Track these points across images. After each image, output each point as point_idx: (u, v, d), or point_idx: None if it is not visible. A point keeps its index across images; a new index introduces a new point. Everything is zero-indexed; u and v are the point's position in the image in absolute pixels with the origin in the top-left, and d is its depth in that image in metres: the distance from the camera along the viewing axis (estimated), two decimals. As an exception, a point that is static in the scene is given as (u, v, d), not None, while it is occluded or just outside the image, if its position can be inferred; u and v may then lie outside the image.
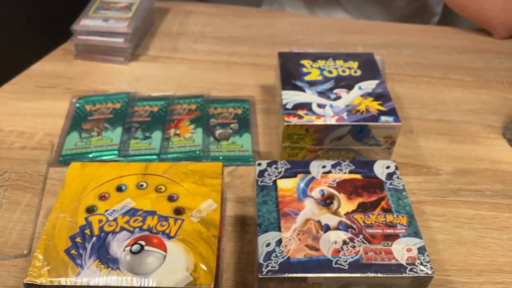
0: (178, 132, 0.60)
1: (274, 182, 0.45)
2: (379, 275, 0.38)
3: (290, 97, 0.55)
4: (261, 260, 0.39)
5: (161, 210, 0.41)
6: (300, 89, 0.56)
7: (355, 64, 0.60)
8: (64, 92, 0.68)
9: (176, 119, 0.62)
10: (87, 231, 0.39)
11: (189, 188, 0.43)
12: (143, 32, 0.80)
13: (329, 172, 0.46)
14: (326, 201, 0.44)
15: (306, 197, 0.44)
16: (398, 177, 0.46)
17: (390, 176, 0.46)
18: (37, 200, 0.52)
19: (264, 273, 0.38)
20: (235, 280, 0.45)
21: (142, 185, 0.44)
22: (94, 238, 0.39)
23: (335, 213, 0.43)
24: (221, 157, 0.57)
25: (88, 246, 0.38)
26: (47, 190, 0.53)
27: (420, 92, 0.69)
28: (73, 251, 0.38)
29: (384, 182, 0.45)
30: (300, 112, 0.53)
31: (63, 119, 0.62)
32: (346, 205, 0.43)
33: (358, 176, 0.46)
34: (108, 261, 0.37)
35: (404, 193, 0.44)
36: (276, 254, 0.39)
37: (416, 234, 0.41)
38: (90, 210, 0.41)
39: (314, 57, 0.61)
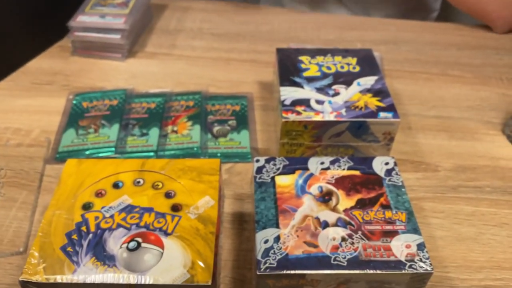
0: (175, 129, 0.60)
1: (272, 178, 0.45)
2: (378, 271, 0.38)
3: (288, 93, 0.55)
4: (259, 257, 0.38)
5: (158, 207, 0.41)
6: (299, 85, 0.56)
7: (353, 60, 0.60)
8: (61, 89, 0.67)
9: (174, 116, 0.62)
10: (84, 228, 0.39)
11: (187, 184, 0.43)
12: (141, 29, 0.79)
13: (328, 168, 0.46)
14: (325, 198, 0.43)
15: (305, 194, 0.44)
16: (397, 173, 0.46)
17: (389, 172, 0.46)
18: (33, 198, 0.51)
19: (262, 270, 0.37)
20: (233, 277, 0.45)
21: (139, 182, 0.43)
22: (91, 235, 0.39)
23: (334, 209, 0.42)
24: (219, 154, 0.57)
25: (85, 243, 0.38)
26: (43, 187, 0.53)
27: (419, 88, 0.69)
28: (69, 248, 0.37)
29: (383, 178, 0.45)
30: (299, 109, 0.52)
31: (60, 116, 0.62)
32: (345, 201, 0.43)
33: (357, 173, 0.46)
34: (104, 258, 0.37)
35: (403, 190, 0.44)
36: (274, 251, 0.39)
37: (415, 230, 0.41)
38: (87, 207, 0.41)
39: (313, 53, 0.61)
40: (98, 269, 0.36)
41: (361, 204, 0.43)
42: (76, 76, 0.70)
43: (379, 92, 0.55)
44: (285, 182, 0.45)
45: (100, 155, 0.56)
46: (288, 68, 0.59)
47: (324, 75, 0.57)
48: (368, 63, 0.59)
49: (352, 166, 0.46)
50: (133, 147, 0.57)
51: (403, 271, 0.38)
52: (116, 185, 0.43)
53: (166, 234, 0.39)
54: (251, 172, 0.47)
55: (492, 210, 0.52)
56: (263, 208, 0.42)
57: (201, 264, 0.37)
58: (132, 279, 0.36)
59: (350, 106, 0.53)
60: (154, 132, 0.59)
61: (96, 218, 0.40)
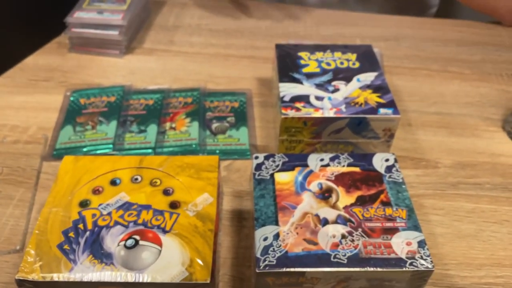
0: (174, 125, 0.59)
1: (272, 175, 0.45)
2: (379, 269, 0.37)
3: (288, 89, 0.54)
4: (258, 255, 0.38)
5: (156, 204, 0.40)
6: (298, 81, 0.55)
7: (353, 56, 0.59)
8: (58, 86, 0.67)
9: (172, 113, 0.61)
10: (81, 226, 0.39)
11: (185, 181, 0.43)
12: (139, 25, 0.78)
13: (327, 165, 0.46)
14: (325, 195, 0.43)
15: (304, 191, 0.43)
16: (397, 170, 0.45)
17: (389, 169, 0.45)
18: (30, 195, 0.51)
19: (261, 267, 0.37)
20: (232, 275, 0.44)
21: (136, 179, 0.43)
22: (88, 233, 0.38)
23: (334, 206, 0.42)
24: (217, 151, 0.56)
25: (82, 241, 0.37)
26: (40, 184, 0.52)
27: (419, 84, 0.69)
28: (66, 246, 0.37)
29: (383, 175, 0.45)
30: (298, 105, 0.52)
31: (57, 112, 0.61)
32: (345, 198, 0.43)
33: (357, 169, 0.45)
34: (102, 256, 0.36)
35: (403, 186, 0.44)
36: (273, 249, 0.38)
37: (416, 227, 0.40)
38: (84, 204, 0.41)
39: (312, 49, 0.60)
40: (95, 267, 0.36)
41: (361, 201, 0.42)
42: (74, 73, 0.69)
43: (379, 88, 0.54)
44: (284, 179, 0.44)
45: (98, 152, 0.55)
46: (287, 64, 0.58)
47: (324, 71, 0.57)
48: (368, 59, 0.59)
49: (352, 162, 0.46)
50: (131, 144, 0.57)
51: (404, 269, 0.37)
52: (113, 182, 0.42)
53: (164, 231, 0.38)
54: (250, 169, 0.47)
55: (492, 207, 0.51)
56: (262, 205, 0.42)
57: (200, 262, 0.36)
58: (130, 277, 0.35)
59: (350, 103, 0.52)
60: (152, 129, 0.58)
61: (94, 215, 0.39)
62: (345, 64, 0.58)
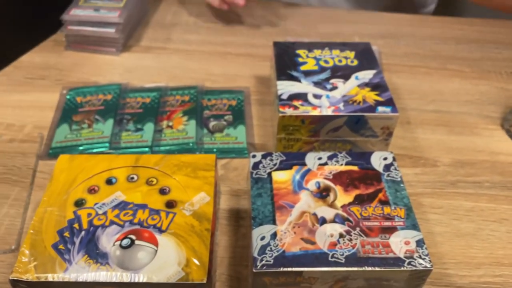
0: (170, 124, 0.59)
1: (269, 174, 0.44)
2: (377, 269, 0.37)
3: (285, 87, 0.54)
4: (255, 254, 0.37)
5: (153, 203, 0.40)
6: (296, 79, 0.55)
7: (351, 54, 0.59)
8: (54, 84, 0.66)
9: (169, 111, 0.61)
10: (76, 225, 0.38)
11: (181, 180, 0.42)
12: (136, 22, 0.78)
13: (325, 164, 0.45)
14: (322, 194, 0.43)
15: (302, 190, 0.43)
16: (395, 169, 0.45)
17: (387, 167, 0.45)
18: (25, 194, 0.50)
19: (258, 267, 0.37)
20: (229, 274, 0.44)
21: (132, 178, 0.42)
22: (83, 233, 0.38)
23: (332, 205, 0.42)
24: (215, 150, 0.56)
25: (77, 241, 0.37)
26: (36, 183, 0.52)
27: (418, 82, 0.68)
28: (61, 246, 0.37)
29: (381, 173, 0.44)
30: (296, 103, 0.52)
31: (53, 111, 0.61)
32: (343, 197, 0.42)
33: (355, 168, 0.45)
34: (97, 256, 0.36)
35: (402, 185, 0.43)
36: (271, 248, 0.38)
37: (414, 226, 0.40)
38: (79, 203, 0.40)
39: (310, 47, 0.60)
40: (91, 267, 0.35)
41: (359, 200, 0.42)
42: (70, 71, 0.69)
43: (378, 86, 0.54)
44: (282, 177, 0.44)
45: (94, 150, 0.55)
46: (285, 62, 0.58)
47: (322, 69, 0.56)
48: (366, 57, 0.58)
49: (350, 161, 0.45)
50: (127, 142, 0.56)
51: (402, 268, 0.37)
52: (109, 181, 0.42)
53: (161, 231, 0.38)
54: (247, 168, 0.46)
55: (491, 206, 0.51)
56: (260, 204, 0.41)
57: (196, 261, 0.36)
58: (125, 277, 0.35)
59: (348, 101, 0.52)
60: (149, 127, 0.58)
61: (89, 215, 0.39)
62: (343, 62, 0.58)
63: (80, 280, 0.35)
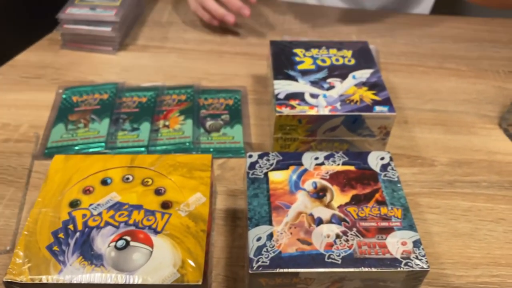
0: (167, 123, 0.59)
1: (266, 174, 0.44)
2: (373, 269, 0.37)
3: (282, 86, 0.54)
4: (251, 255, 0.37)
5: (148, 204, 0.40)
6: (293, 78, 0.55)
7: (349, 53, 0.59)
8: (50, 83, 0.66)
9: (166, 110, 0.60)
10: (71, 227, 0.38)
11: (177, 181, 0.42)
12: (132, 21, 0.77)
13: (322, 163, 0.45)
14: (319, 194, 0.42)
15: (298, 190, 0.43)
16: (392, 169, 0.45)
17: (384, 167, 0.45)
18: (21, 194, 0.50)
19: (254, 268, 0.37)
20: (225, 275, 0.44)
21: (128, 178, 0.42)
22: (78, 234, 0.37)
23: (328, 206, 0.41)
24: (211, 149, 0.56)
25: (71, 242, 0.37)
26: (31, 183, 0.52)
27: (415, 81, 0.68)
28: (55, 248, 0.36)
29: (378, 173, 0.44)
30: (293, 102, 0.51)
31: (49, 110, 0.61)
32: (339, 197, 0.42)
33: (352, 168, 0.45)
34: (92, 257, 0.36)
35: (398, 185, 0.43)
36: (267, 249, 0.38)
37: (411, 227, 0.40)
38: (74, 204, 0.40)
39: (307, 46, 0.60)
40: (85, 268, 0.35)
41: (356, 200, 0.42)
42: (66, 70, 0.68)
43: (375, 85, 0.54)
44: (278, 178, 0.44)
45: (90, 150, 0.55)
46: (282, 61, 0.57)
47: (319, 68, 0.56)
48: (363, 56, 0.58)
49: (347, 161, 0.45)
50: (123, 142, 0.56)
51: (399, 269, 0.37)
52: (104, 182, 0.42)
53: (156, 232, 0.38)
54: (244, 168, 0.46)
55: (488, 205, 0.51)
56: (256, 204, 0.41)
57: (192, 263, 0.36)
58: (120, 279, 0.35)
59: (345, 100, 0.52)
60: (145, 127, 0.58)
61: (84, 216, 0.39)
62: (341, 61, 0.57)
63: (75, 282, 0.35)
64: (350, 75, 0.55)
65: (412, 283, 0.39)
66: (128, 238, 0.37)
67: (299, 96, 0.52)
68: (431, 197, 0.52)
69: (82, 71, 0.68)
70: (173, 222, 0.39)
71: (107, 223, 0.38)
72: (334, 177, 0.44)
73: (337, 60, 0.58)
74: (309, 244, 0.38)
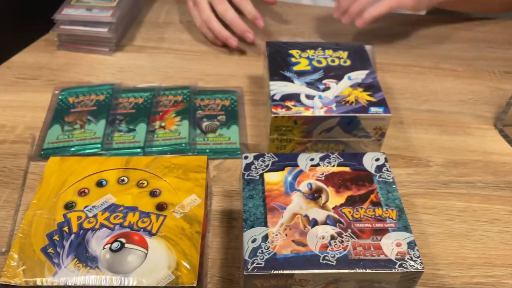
0: (163, 124, 0.59)
1: (261, 175, 0.44)
2: (368, 271, 0.37)
3: (278, 88, 0.54)
4: (246, 257, 0.37)
5: (143, 206, 0.40)
6: (288, 79, 0.55)
7: (344, 54, 0.59)
8: (47, 84, 0.66)
9: (162, 111, 0.60)
10: (65, 229, 0.38)
11: (172, 182, 0.42)
12: (129, 22, 0.77)
13: (317, 165, 0.45)
14: (314, 195, 0.42)
15: (294, 191, 0.43)
16: (387, 170, 0.45)
17: (379, 168, 0.45)
18: (16, 196, 0.50)
19: (249, 270, 0.37)
20: (221, 276, 0.44)
21: (123, 180, 0.42)
22: (73, 236, 0.37)
23: (323, 207, 0.41)
24: (207, 150, 0.56)
25: (66, 244, 0.37)
26: (27, 185, 0.52)
27: (411, 82, 0.68)
28: (50, 250, 0.36)
29: (373, 174, 0.44)
30: (288, 104, 0.51)
31: (45, 111, 0.60)
32: (335, 198, 0.42)
33: (347, 169, 0.45)
34: (86, 259, 0.36)
35: (393, 186, 0.43)
36: (262, 250, 0.38)
37: (405, 228, 0.40)
38: (69, 206, 0.40)
39: (303, 47, 0.60)
40: (80, 271, 0.35)
41: (351, 201, 0.42)
42: (63, 71, 0.68)
43: (370, 86, 0.54)
44: (274, 179, 0.44)
45: (86, 151, 0.55)
46: (278, 62, 0.57)
47: (315, 69, 0.56)
48: (359, 57, 0.58)
49: (342, 162, 0.45)
50: (119, 143, 0.56)
51: (393, 270, 0.37)
52: (99, 184, 0.42)
53: (151, 234, 0.38)
54: (240, 169, 0.46)
55: (484, 206, 0.51)
56: (251, 206, 0.41)
57: (186, 265, 0.36)
58: (115, 281, 0.35)
59: (341, 101, 0.52)
60: (141, 128, 0.58)
61: (79, 218, 0.39)
62: (336, 62, 0.57)
63: (69, 284, 0.35)
64: (346, 76, 0.55)
65: (406, 284, 0.39)
66: (123, 240, 0.37)
67: (295, 97, 0.52)
68: (426, 198, 0.52)
69: (79, 72, 0.68)
70: (168, 224, 0.39)
71: (102, 225, 0.38)
72: (329, 178, 0.44)
73: (332, 61, 0.58)
74: (304, 245, 0.38)
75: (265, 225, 0.40)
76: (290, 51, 0.59)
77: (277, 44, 0.61)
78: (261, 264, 0.37)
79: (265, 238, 0.39)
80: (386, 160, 0.46)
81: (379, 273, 0.37)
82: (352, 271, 0.37)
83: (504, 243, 0.48)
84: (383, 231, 0.40)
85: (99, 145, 0.55)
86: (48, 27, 0.72)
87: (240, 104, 0.63)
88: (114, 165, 0.43)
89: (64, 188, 0.41)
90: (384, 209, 0.41)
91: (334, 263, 0.37)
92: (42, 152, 0.55)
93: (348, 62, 0.57)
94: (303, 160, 0.45)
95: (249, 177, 0.44)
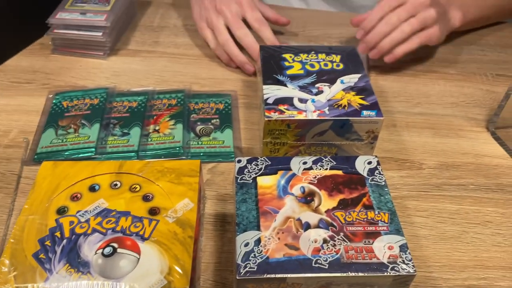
0: (157, 128, 0.59)
1: (254, 179, 0.44)
2: (360, 274, 0.37)
3: (272, 91, 0.54)
4: (239, 261, 0.37)
5: (135, 211, 0.40)
6: (282, 83, 0.55)
7: (337, 58, 0.59)
8: (41, 88, 0.66)
9: (156, 115, 0.60)
10: (57, 234, 0.38)
11: (165, 187, 0.42)
12: (123, 26, 0.77)
13: (310, 168, 0.45)
14: (307, 198, 0.43)
15: (287, 195, 0.43)
16: (380, 173, 0.45)
17: (371, 171, 0.45)
18: (9, 201, 0.50)
19: (242, 274, 0.37)
20: (214, 280, 0.44)
21: (116, 185, 0.42)
22: (65, 241, 0.37)
23: (316, 210, 0.42)
24: (201, 154, 0.56)
25: (58, 250, 0.37)
26: (20, 189, 0.51)
27: (404, 85, 0.69)
28: (41, 255, 0.36)
29: (365, 178, 0.44)
30: (281, 107, 0.52)
31: (39, 115, 0.60)
32: (327, 202, 0.42)
33: (339, 172, 0.45)
34: (78, 265, 0.36)
35: (386, 189, 0.44)
36: (254, 254, 0.38)
37: (398, 231, 0.40)
38: (61, 211, 0.40)
39: (296, 51, 0.60)
40: (72, 276, 0.35)
41: (344, 205, 0.42)
42: (57, 75, 0.68)
43: (363, 90, 0.54)
44: (267, 183, 0.44)
45: (80, 155, 0.55)
46: (272, 66, 0.58)
47: (308, 73, 0.57)
48: (352, 61, 0.59)
49: (334, 165, 0.46)
50: (113, 147, 0.56)
51: (386, 274, 0.37)
52: (92, 188, 0.42)
53: (143, 238, 0.38)
54: (234, 172, 0.46)
55: (475, 208, 0.51)
56: (244, 210, 0.41)
57: (179, 269, 0.36)
58: (107, 286, 0.35)
59: (333, 105, 0.52)
60: (136, 131, 0.58)
61: (71, 223, 0.39)
62: (329, 66, 0.58)
63: (61, 290, 0.35)
64: (339, 80, 0.55)
65: (399, 287, 0.39)
66: (115, 245, 0.37)
67: (288, 101, 0.52)
68: (418, 200, 0.52)
69: (73, 76, 0.68)
70: (160, 229, 0.39)
71: (95, 230, 0.38)
72: (322, 182, 0.44)
73: (325, 65, 0.58)
74: (297, 249, 0.38)
75: (258, 229, 0.40)
76: (283, 55, 0.59)
77: (271, 48, 0.61)
78: (254, 268, 0.37)
79: (258, 242, 0.39)
80: (378, 163, 0.46)
81: (371, 277, 0.37)
82: (344, 274, 0.37)
83: (496, 245, 0.48)
84: (375, 234, 0.40)
85: (93, 149, 0.55)
86: (42, 31, 0.72)
87: (234, 108, 0.63)
88: (107, 170, 0.43)
89: (56, 193, 0.41)
90: (376, 212, 0.41)
91: (326, 267, 0.37)
92: (35, 157, 0.55)
93: (341, 66, 0.58)
94: (296, 164, 0.46)
95: (242, 181, 0.44)
